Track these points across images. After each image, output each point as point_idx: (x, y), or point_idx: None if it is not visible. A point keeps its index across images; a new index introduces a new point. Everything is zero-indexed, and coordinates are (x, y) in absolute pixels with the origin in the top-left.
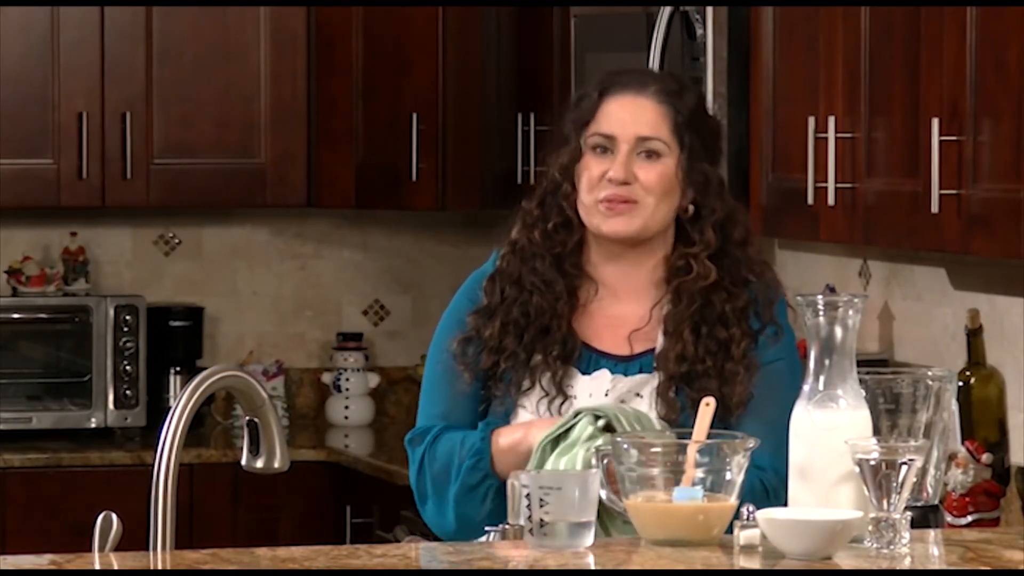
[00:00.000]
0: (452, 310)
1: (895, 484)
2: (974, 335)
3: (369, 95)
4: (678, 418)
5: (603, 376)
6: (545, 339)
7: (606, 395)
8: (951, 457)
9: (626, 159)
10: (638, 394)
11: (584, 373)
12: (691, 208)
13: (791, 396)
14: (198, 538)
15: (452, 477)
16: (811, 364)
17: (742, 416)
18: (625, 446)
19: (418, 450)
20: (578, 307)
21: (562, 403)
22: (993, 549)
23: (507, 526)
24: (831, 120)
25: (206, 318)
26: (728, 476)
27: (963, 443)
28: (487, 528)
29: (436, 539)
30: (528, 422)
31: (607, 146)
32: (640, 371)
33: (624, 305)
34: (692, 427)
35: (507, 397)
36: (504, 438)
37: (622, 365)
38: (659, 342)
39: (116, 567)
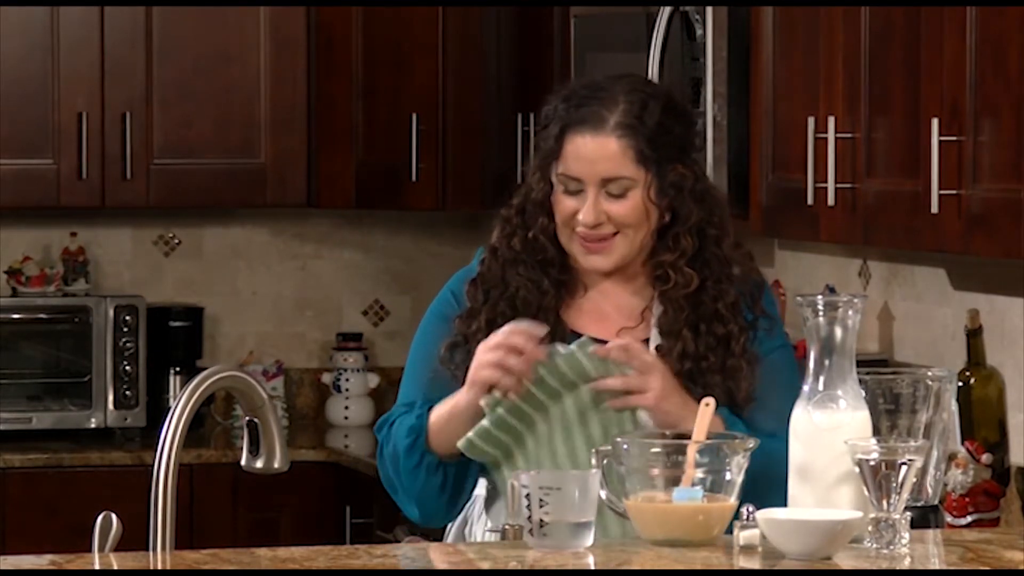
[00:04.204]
0: (436, 306)
1: (895, 484)
2: (974, 335)
3: (369, 95)
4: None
5: None
6: None
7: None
8: (951, 457)
9: (594, 201)
10: None
11: None
12: (667, 216)
13: (794, 383)
14: (198, 538)
15: (400, 463)
16: (811, 364)
17: (751, 411)
18: (625, 446)
19: (380, 442)
20: (565, 301)
21: None
22: (993, 549)
23: (507, 526)
24: (831, 120)
25: (206, 318)
26: (728, 476)
27: (963, 443)
28: (487, 528)
29: (436, 539)
30: (461, 391)
31: (575, 187)
32: None
33: (612, 300)
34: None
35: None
36: (436, 411)
37: None
38: (652, 335)
39: (116, 567)
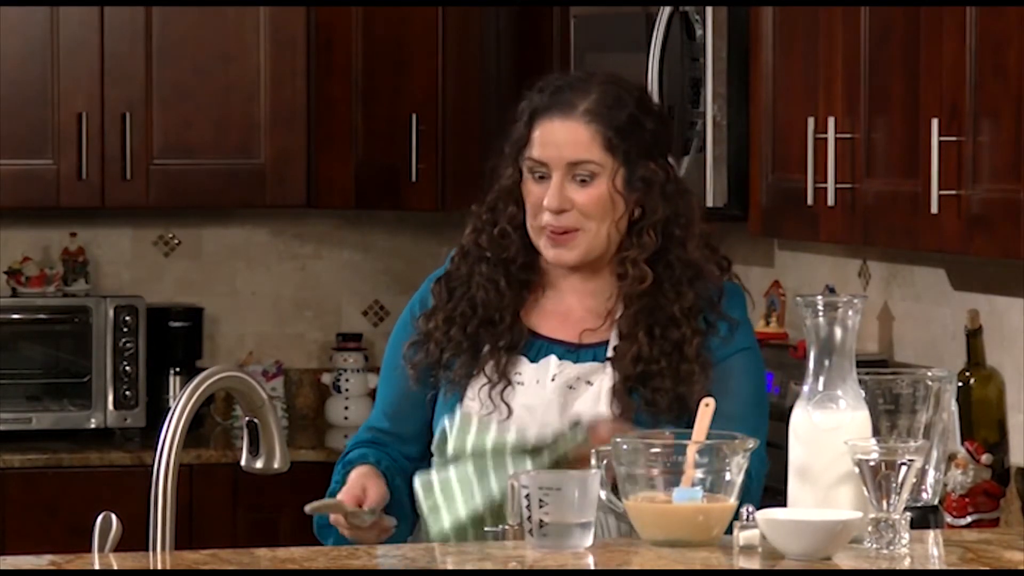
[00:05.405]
0: (406, 313)
1: (895, 485)
2: (974, 335)
3: (369, 95)
4: (632, 417)
5: (549, 362)
6: (491, 330)
7: (552, 380)
8: (951, 458)
9: (559, 186)
10: (588, 382)
11: (532, 361)
12: (637, 211)
13: (757, 387)
14: (198, 538)
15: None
16: (811, 364)
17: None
18: (625, 447)
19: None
20: (528, 301)
21: (504, 389)
22: (993, 550)
23: (507, 526)
24: (831, 120)
25: (206, 318)
26: (727, 477)
27: (963, 444)
28: (487, 528)
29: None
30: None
31: (542, 172)
32: (593, 359)
33: (574, 300)
34: (649, 426)
35: (453, 384)
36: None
37: (572, 353)
38: (612, 336)
39: (116, 567)
